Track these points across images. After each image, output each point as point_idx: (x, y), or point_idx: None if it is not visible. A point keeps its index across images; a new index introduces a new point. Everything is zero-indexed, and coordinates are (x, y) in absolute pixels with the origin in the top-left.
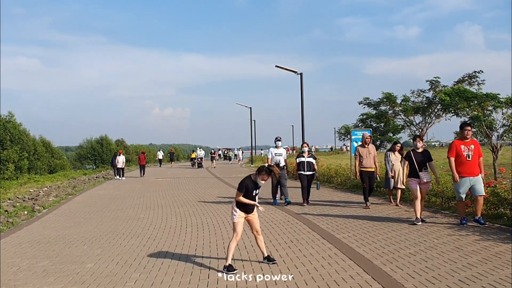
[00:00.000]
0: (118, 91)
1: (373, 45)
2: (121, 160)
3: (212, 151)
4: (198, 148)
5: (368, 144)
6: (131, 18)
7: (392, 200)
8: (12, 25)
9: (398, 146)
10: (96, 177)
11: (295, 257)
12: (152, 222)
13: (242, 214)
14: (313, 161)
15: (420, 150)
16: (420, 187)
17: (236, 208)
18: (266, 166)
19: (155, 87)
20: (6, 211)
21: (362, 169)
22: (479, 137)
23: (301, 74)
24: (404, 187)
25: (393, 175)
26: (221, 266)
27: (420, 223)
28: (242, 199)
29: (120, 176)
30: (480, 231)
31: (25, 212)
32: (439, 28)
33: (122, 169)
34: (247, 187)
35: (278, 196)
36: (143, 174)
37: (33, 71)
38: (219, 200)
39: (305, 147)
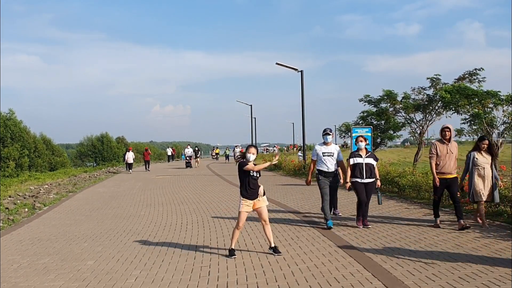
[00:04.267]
0: (118, 88)
1: (373, 42)
2: (130, 155)
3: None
4: (188, 146)
5: (449, 140)
6: (131, 15)
7: (480, 219)
8: (12, 23)
9: (485, 143)
10: (97, 175)
11: (296, 254)
12: (152, 220)
13: (248, 202)
14: (374, 163)
15: None
16: None
17: (240, 197)
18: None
19: (156, 84)
20: (6, 208)
21: (439, 175)
22: (479, 135)
23: (301, 71)
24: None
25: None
26: (222, 264)
27: None
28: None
29: (129, 170)
30: (480, 228)
31: (26, 210)
32: (440, 26)
33: (131, 164)
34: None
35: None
36: (148, 168)
37: (33, 69)
38: (219, 198)
39: (362, 141)
